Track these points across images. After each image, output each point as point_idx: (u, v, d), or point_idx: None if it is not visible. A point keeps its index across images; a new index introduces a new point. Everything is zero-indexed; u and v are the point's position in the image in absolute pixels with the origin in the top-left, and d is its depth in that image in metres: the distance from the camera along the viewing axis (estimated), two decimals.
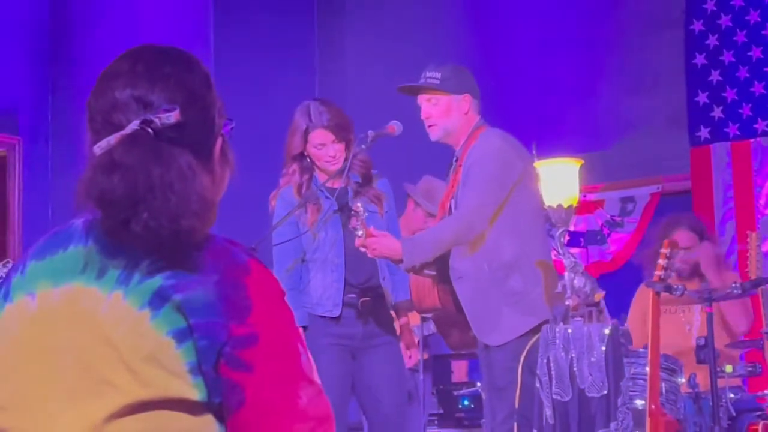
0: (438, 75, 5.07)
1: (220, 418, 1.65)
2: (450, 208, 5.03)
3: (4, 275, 4.11)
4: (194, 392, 1.62)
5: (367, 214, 4.85)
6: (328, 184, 5.10)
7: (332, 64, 9.13)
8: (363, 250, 4.78)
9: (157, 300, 1.62)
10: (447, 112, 5.03)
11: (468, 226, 4.84)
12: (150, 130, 1.67)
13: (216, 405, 1.64)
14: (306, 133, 5.11)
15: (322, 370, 4.94)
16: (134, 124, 1.67)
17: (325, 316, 5.05)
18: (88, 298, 1.67)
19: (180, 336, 1.61)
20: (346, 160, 5.06)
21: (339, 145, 5.09)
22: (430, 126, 5.06)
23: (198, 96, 1.74)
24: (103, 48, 8.07)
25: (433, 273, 4.97)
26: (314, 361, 4.92)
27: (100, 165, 1.64)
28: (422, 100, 5.09)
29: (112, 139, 1.67)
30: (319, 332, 5.02)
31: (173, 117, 1.68)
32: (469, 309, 4.92)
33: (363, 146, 5.02)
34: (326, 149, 5.08)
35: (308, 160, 5.12)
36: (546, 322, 4.75)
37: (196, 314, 1.62)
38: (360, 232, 4.72)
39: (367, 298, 5.06)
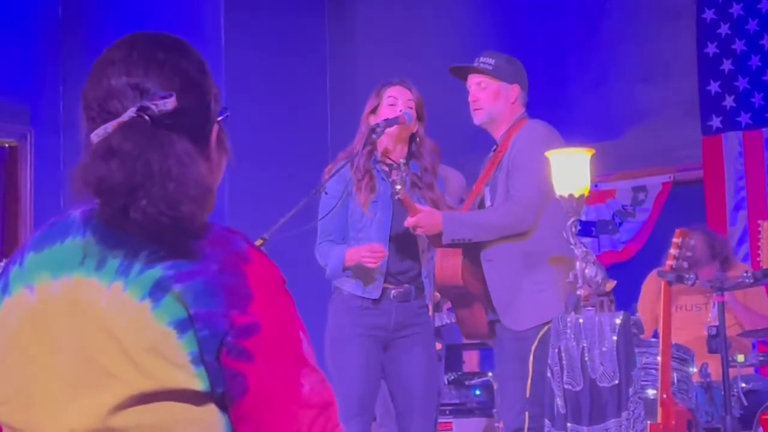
0: (492, 61, 5.15)
1: (224, 408, 1.64)
2: (485, 191, 5.07)
3: None
4: (197, 382, 1.61)
5: (408, 173, 4.87)
6: (387, 169, 5.12)
7: (343, 52, 9.12)
8: (414, 231, 4.86)
9: (158, 290, 1.62)
10: (495, 98, 5.10)
11: (519, 218, 4.90)
12: (147, 117, 1.66)
13: (219, 395, 1.63)
14: (381, 90, 5.14)
15: (351, 361, 4.96)
16: (131, 111, 1.66)
17: (364, 297, 5.03)
18: (88, 289, 1.66)
19: (181, 326, 1.61)
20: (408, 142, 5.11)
21: (411, 110, 5.08)
22: (476, 109, 5.13)
23: (194, 82, 1.73)
24: (115, 39, 8.06)
25: (470, 241, 4.96)
26: (343, 350, 5.00)
27: (98, 152, 1.64)
28: (472, 83, 5.17)
29: (109, 126, 1.66)
30: (350, 322, 5.02)
31: (170, 103, 1.67)
32: (496, 292, 4.94)
33: (374, 136, 5.02)
34: (397, 106, 5.08)
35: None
36: None
37: (196, 304, 1.61)
38: (398, 187, 4.75)
39: (401, 290, 5.05)
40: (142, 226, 1.62)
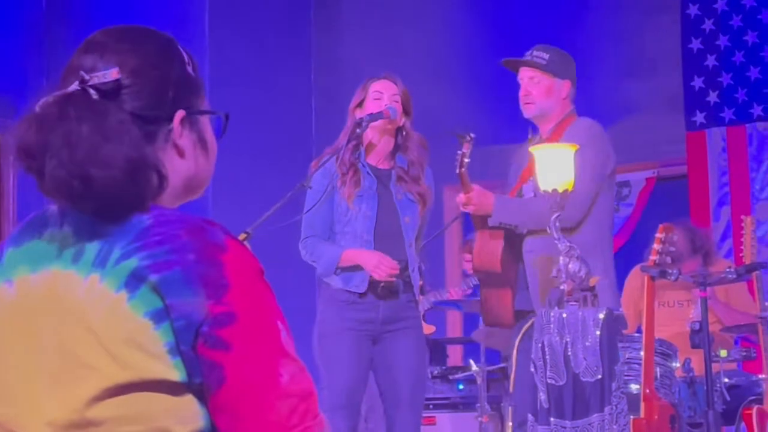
0: (546, 56, 5.20)
1: (201, 398, 1.64)
2: (532, 183, 5.14)
3: None
4: (174, 373, 1.62)
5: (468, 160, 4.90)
6: (372, 163, 5.12)
7: (328, 45, 9.11)
8: (463, 208, 4.95)
9: (133, 281, 1.62)
10: (547, 93, 5.16)
11: (568, 213, 4.90)
12: (93, 90, 1.68)
13: (196, 385, 1.63)
14: (367, 84, 5.15)
15: (337, 354, 4.97)
16: (75, 85, 1.69)
17: (350, 291, 5.02)
18: (66, 282, 1.67)
19: (157, 317, 1.61)
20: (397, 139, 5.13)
21: (396, 104, 5.09)
22: (527, 103, 5.18)
23: (151, 64, 1.74)
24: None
25: (516, 227, 5.02)
26: (332, 345, 5.00)
27: (26, 118, 1.68)
28: (524, 76, 5.22)
29: (51, 97, 1.69)
30: (338, 316, 5.03)
31: (109, 75, 1.69)
32: (535, 283, 4.97)
33: (358, 131, 5.03)
34: (382, 100, 5.08)
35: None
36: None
37: (172, 294, 1.61)
38: (467, 160, 4.83)
39: (389, 284, 5.04)
40: (54, 187, 1.64)
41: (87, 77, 1.69)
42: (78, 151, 1.62)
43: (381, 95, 5.09)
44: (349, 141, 5.04)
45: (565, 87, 5.18)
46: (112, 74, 1.69)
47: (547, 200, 4.87)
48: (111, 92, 1.70)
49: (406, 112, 5.13)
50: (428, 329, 6.11)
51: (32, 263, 1.70)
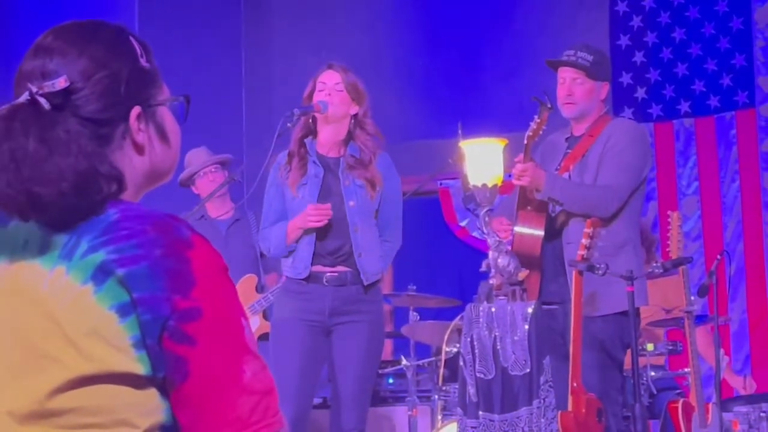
0: (590, 58, 5.29)
1: (164, 392, 1.66)
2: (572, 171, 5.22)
3: None
4: (138, 366, 1.63)
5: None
6: (322, 152, 5.12)
7: (258, 42, 9.09)
8: (517, 180, 5.02)
9: (100, 274, 1.63)
10: (589, 95, 5.27)
11: (607, 202, 5.02)
12: (44, 100, 1.67)
13: (160, 379, 1.65)
14: (317, 75, 5.14)
15: (286, 346, 4.96)
16: (25, 95, 1.68)
17: (299, 281, 5.03)
18: (30, 273, 1.67)
19: (123, 310, 1.62)
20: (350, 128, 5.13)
21: (340, 93, 5.08)
22: (568, 103, 5.27)
23: (100, 65, 1.73)
24: (30, 23, 7.98)
25: (561, 205, 5.07)
26: (281, 336, 4.99)
27: None
28: (566, 76, 5.30)
29: (3, 109, 1.68)
30: (287, 307, 5.05)
31: (57, 84, 1.69)
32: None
33: (288, 124, 5.02)
34: (325, 91, 5.08)
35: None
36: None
37: (139, 288, 1.62)
38: (544, 127, 5.04)
39: (335, 273, 5.04)
40: (5, 205, 1.65)
41: (34, 89, 1.68)
42: (24, 168, 1.62)
43: (324, 86, 5.09)
44: (279, 135, 5.03)
45: (604, 89, 5.31)
46: (60, 83, 1.68)
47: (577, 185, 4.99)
48: (61, 101, 1.69)
49: (354, 100, 5.11)
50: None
51: None
